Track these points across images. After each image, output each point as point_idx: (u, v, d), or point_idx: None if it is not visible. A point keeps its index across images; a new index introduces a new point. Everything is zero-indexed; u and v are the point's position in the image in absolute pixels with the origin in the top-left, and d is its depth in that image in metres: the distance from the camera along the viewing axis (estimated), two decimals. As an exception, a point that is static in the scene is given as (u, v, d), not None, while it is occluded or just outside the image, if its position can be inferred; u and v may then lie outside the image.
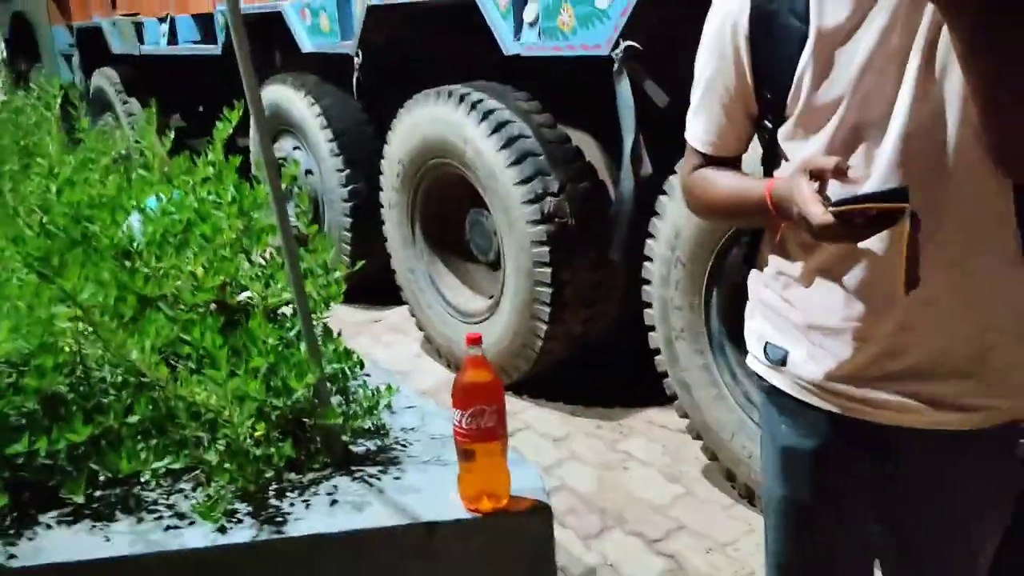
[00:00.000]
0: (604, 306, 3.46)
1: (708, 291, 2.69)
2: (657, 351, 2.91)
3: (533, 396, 3.60)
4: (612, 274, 3.39)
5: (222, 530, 2.05)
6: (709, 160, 1.43)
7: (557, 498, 2.90)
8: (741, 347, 2.74)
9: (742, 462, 2.66)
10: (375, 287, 4.35)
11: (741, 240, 2.57)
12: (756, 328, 1.50)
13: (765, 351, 1.42)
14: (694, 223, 2.64)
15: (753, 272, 1.51)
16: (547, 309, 3.32)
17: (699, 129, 1.42)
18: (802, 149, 1.26)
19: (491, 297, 3.84)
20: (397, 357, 4.14)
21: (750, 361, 1.48)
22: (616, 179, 3.29)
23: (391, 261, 4.18)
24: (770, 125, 1.31)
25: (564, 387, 3.61)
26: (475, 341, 2.04)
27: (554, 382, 3.63)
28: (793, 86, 1.24)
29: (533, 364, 3.50)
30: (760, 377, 1.46)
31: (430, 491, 2.24)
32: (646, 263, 2.87)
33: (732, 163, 1.43)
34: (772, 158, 1.33)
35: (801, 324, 1.34)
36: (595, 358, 3.71)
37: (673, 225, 2.71)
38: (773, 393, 1.43)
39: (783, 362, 1.38)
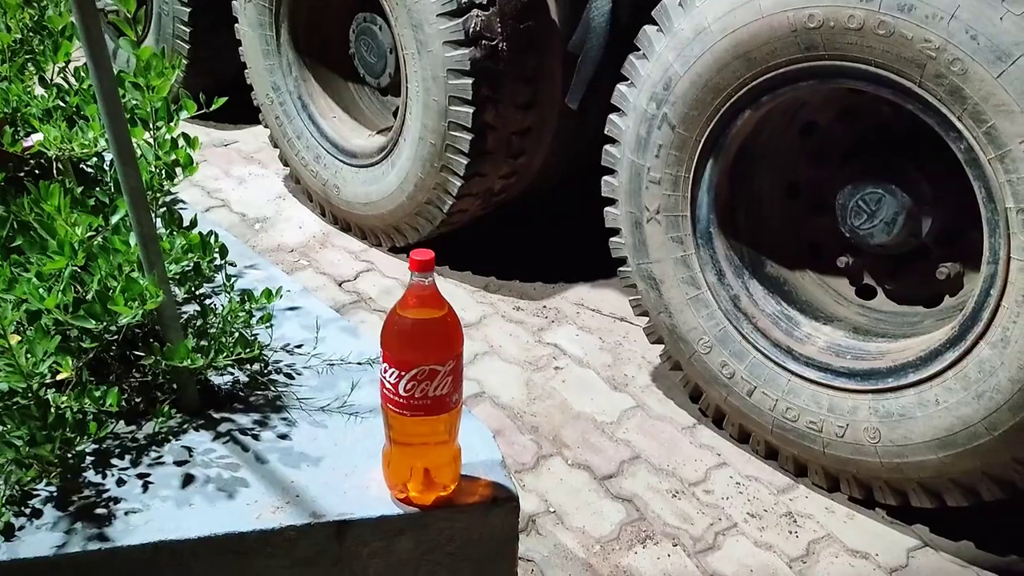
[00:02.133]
0: (530, 157, 2.74)
1: (700, 165, 2.02)
2: (615, 231, 2.25)
3: (435, 264, 2.88)
4: (542, 116, 2.65)
5: (6, 533, 1.30)
6: None
7: (477, 412, 2.28)
8: (732, 238, 2.13)
9: (718, 381, 2.12)
10: (228, 97, 3.38)
11: (759, 101, 1.89)
12: None
13: None
14: (696, 71, 1.92)
15: None
16: (463, 160, 2.56)
17: None
18: None
19: (380, 132, 3.01)
20: (253, 198, 3.28)
21: None
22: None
23: (246, 72, 3.22)
24: None
25: (473, 254, 2.91)
26: (424, 265, 1.29)
27: (460, 246, 2.92)
28: None
29: (438, 225, 2.77)
30: None
31: (334, 462, 1.51)
32: (614, 117, 2.14)
33: None
34: None
35: None
36: (510, 217, 3.01)
37: (663, 71, 1.98)
38: None
39: None
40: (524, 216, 3.04)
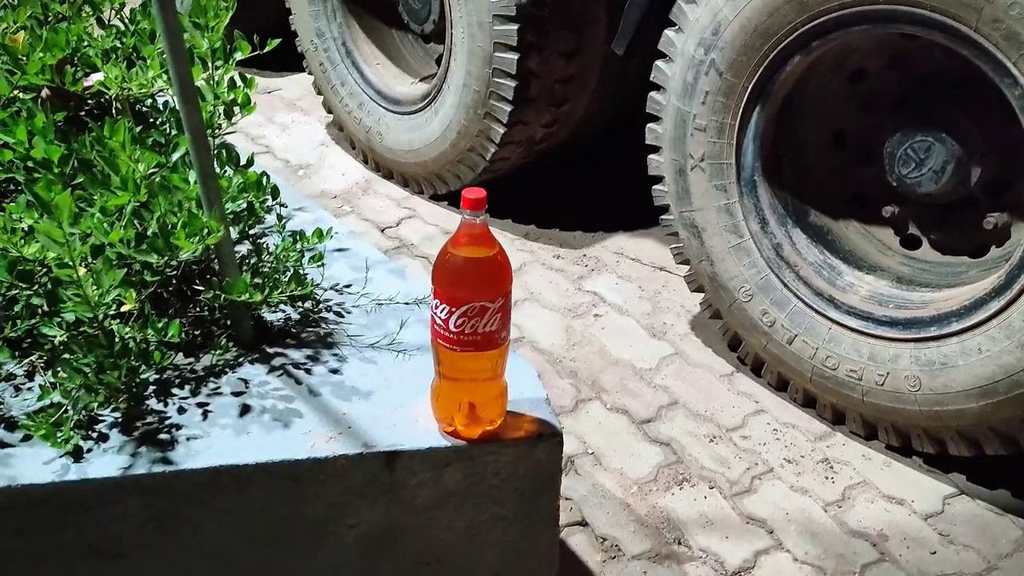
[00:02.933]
0: (572, 105, 2.74)
1: (747, 112, 2.01)
2: (659, 179, 2.25)
3: (475, 211, 2.91)
4: (586, 64, 2.65)
5: (76, 454, 1.37)
6: None
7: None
8: (776, 187, 2.13)
9: (759, 329, 2.13)
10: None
11: (810, 47, 1.87)
12: None
13: None
14: (746, 15, 1.91)
15: None
16: (507, 108, 2.57)
17: None
18: None
19: (424, 80, 3.02)
20: (297, 145, 3.32)
21: None
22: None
23: (290, 19, 3.23)
24: None
25: (514, 201, 2.93)
26: (476, 204, 1.32)
27: (502, 195, 2.92)
28: None
29: (480, 173, 2.79)
30: None
31: (385, 396, 1.56)
32: (660, 63, 2.14)
33: None
34: None
35: None
36: (552, 166, 3.02)
37: (712, 15, 1.97)
38: None
39: None
40: (566, 164, 3.05)
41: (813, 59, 1.93)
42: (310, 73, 3.26)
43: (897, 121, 1.97)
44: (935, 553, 1.82)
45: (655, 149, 2.23)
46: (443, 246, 1.33)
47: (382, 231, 2.85)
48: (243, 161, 1.62)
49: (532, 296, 2.56)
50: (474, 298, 1.28)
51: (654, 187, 2.28)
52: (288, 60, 3.34)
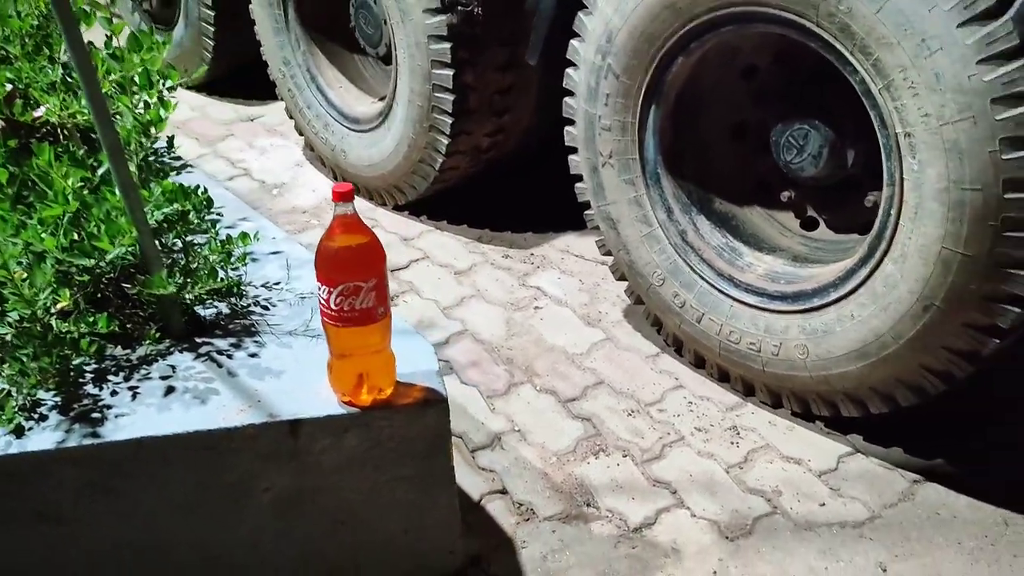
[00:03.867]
0: (515, 115, 2.93)
1: (644, 110, 2.19)
2: (579, 177, 2.44)
3: (433, 218, 3.12)
4: (525, 76, 2.84)
5: (18, 432, 1.58)
6: None
7: (458, 348, 2.51)
8: (679, 178, 2.30)
9: (672, 310, 2.30)
10: (251, 77, 3.66)
11: (689, 48, 2.05)
12: None
13: None
14: (632, 23, 2.09)
15: None
16: (448, 120, 2.78)
17: None
18: None
19: (382, 99, 3.24)
20: (273, 166, 3.55)
21: None
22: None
23: (261, 50, 3.48)
24: None
25: (469, 209, 3.13)
26: (344, 195, 1.52)
27: (457, 203, 3.14)
28: None
29: (432, 182, 2.99)
30: None
31: (294, 374, 1.77)
32: (569, 70, 2.33)
33: None
34: None
35: None
36: (503, 174, 3.22)
37: (605, 24, 2.16)
38: None
39: None
40: (520, 170, 3.24)
41: (696, 59, 2.10)
42: (282, 99, 3.50)
43: (781, 111, 2.14)
44: (824, 505, 1.96)
45: (573, 150, 2.42)
46: (322, 235, 1.54)
47: (345, 241, 3.06)
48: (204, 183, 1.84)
49: (478, 293, 2.75)
50: (347, 279, 1.48)
51: (576, 185, 2.47)
52: (269, 88, 3.59)
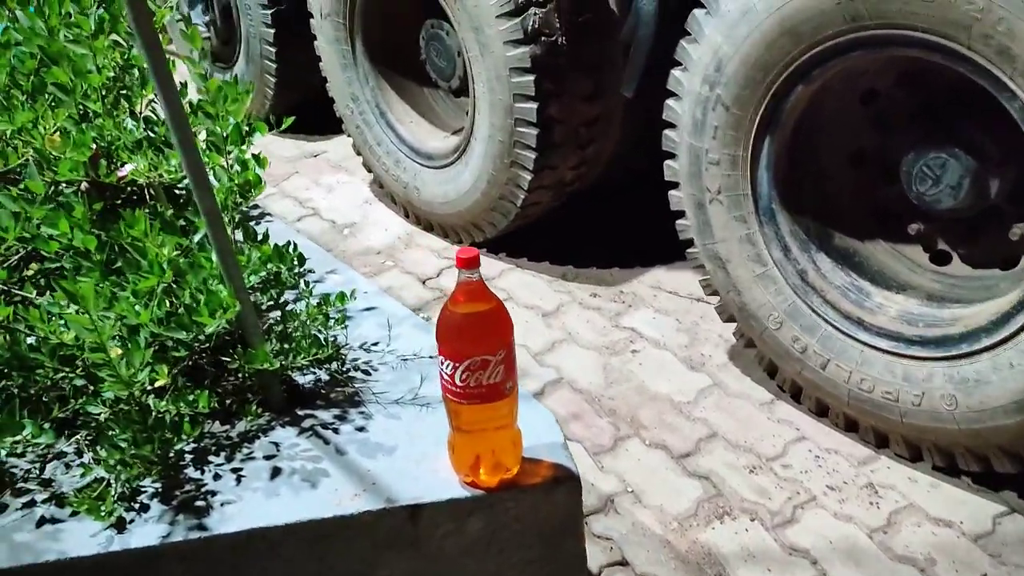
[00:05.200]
0: (599, 146, 2.79)
1: (757, 143, 2.03)
2: (680, 214, 2.28)
3: (513, 256, 2.98)
4: (609, 106, 2.70)
5: (119, 526, 1.45)
6: None
7: (555, 398, 2.36)
8: (796, 213, 2.13)
9: (791, 356, 2.13)
10: (315, 111, 3.55)
11: (811, 75, 1.89)
12: None
13: None
14: (745, 50, 1.94)
15: None
16: (532, 155, 2.64)
17: None
18: None
19: (456, 133, 3.12)
20: (341, 205, 3.44)
21: None
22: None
23: (327, 86, 3.38)
24: None
25: (550, 244, 2.99)
26: (469, 262, 1.37)
27: (538, 238, 3.00)
28: None
29: (513, 219, 2.85)
30: None
31: (407, 451, 1.62)
32: (670, 102, 2.18)
33: None
34: None
35: None
36: (585, 207, 3.07)
37: (714, 53, 2.00)
38: None
39: None
40: (600, 202, 3.09)
41: (818, 86, 1.94)
42: (349, 135, 3.39)
43: (911, 138, 1.96)
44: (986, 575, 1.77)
45: (674, 184, 2.26)
46: (444, 304, 1.39)
47: (423, 282, 2.93)
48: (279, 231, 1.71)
49: (570, 336, 2.60)
50: (475, 352, 1.34)
51: (677, 222, 2.31)
52: (331, 123, 3.49)
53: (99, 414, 1.51)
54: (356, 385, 1.73)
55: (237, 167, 1.63)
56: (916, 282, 2.07)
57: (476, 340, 1.34)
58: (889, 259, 2.12)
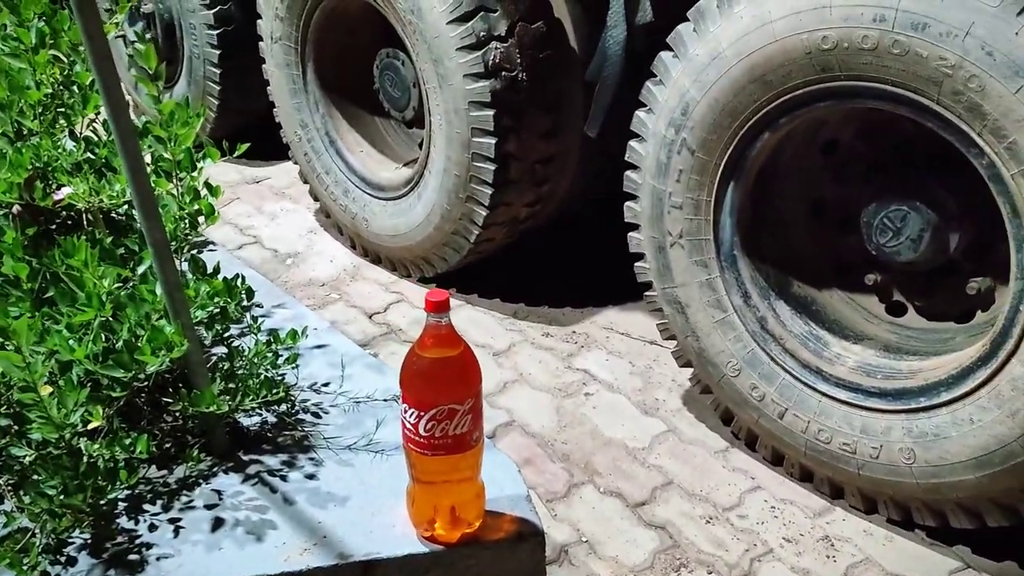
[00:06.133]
0: (555, 184, 2.75)
1: (721, 188, 2.01)
2: (640, 256, 2.25)
3: (463, 292, 2.91)
4: (566, 144, 2.67)
5: (40, 584, 1.33)
6: None
7: (507, 441, 2.29)
8: (757, 260, 2.11)
9: (749, 404, 2.10)
10: (258, 135, 3.44)
11: (777, 123, 1.88)
12: None
13: None
14: (712, 95, 1.92)
15: None
16: (488, 190, 2.58)
17: None
18: None
19: (407, 164, 3.05)
20: (285, 234, 3.33)
21: None
22: (582, 20, 2.50)
23: (274, 111, 3.28)
24: None
25: (501, 280, 2.93)
26: (439, 306, 1.30)
27: (489, 274, 2.94)
28: None
29: (465, 255, 2.79)
30: None
31: (360, 501, 1.53)
32: (634, 143, 2.15)
33: None
34: None
35: None
36: (538, 244, 3.02)
37: (680, 96, 1.98)
38: None
39: None
40: (552, 240, 3.05)
41: (783, 134, 1.93)
42: (296, 163, 3.29)
43: (872, 190, 1.97)
44: (943, 633, 1.76)
45: (635, 227, 2.23)
46: (410, 349, 1.32)
47: (370, 317, 2.84)
48: (213, 266, 1.62)
49: (521, 377, 2.54)
50: (442, 401, 1.27)
51: (636, 264, 2.27)
52: (276, 149, 3.38)
53: (24, 457, 1.39)
54: (305, 428, 1.65)
55: (185, 196, 1.54)
56: (872, 332, 2.07)
57: (444, 388, 1.27)
58: (846, 308, 2.12)
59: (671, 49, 2.01)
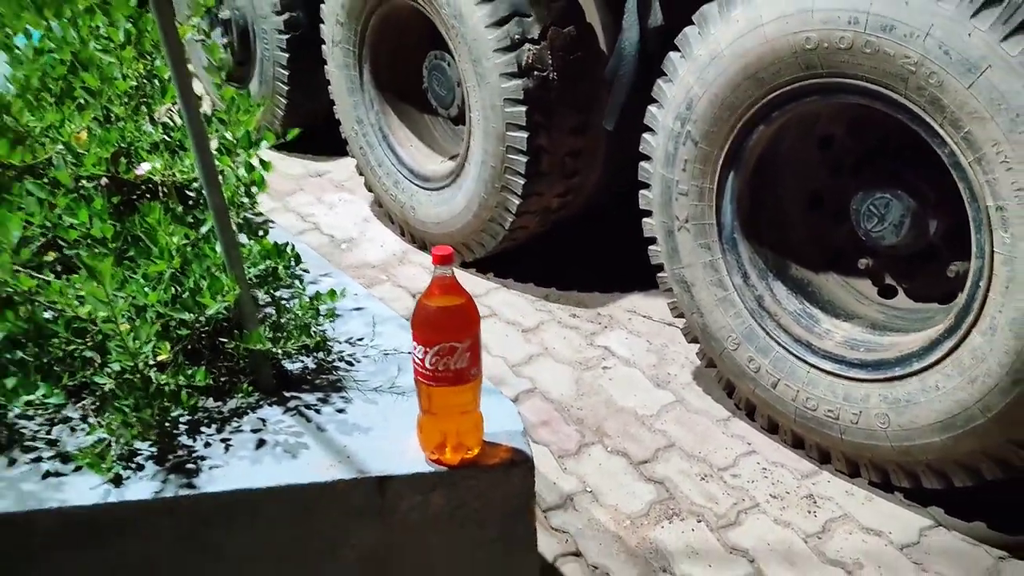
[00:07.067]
0: (584, 177, 2.98)
1: (723, 177, 2.22)
2: (652, 240, 2.46)
3: (500, 276, 3.16)
4: (594, 139, 2.89)
5: (116, 481, 1.62)
6: None
7: (527, 405, 2.52)
8: (756, 243, 2.31)
9: (746, 375, 2.29)
10: (321, 132, 3.76)
11: (770, 117, 2.08)
12: None
13: None
14: (713, 91, 2.13)
15: None
16: (521, 180, 2.83)
17: None
18: None
19: (453, 158, 3.31)
20: (342, 222, 3.63)
21: None
22: (610, 25, 2.73)
23: (334, 109, 3.59)
24: None
25: (535, 266, 3.17)
26: (444, 259, 1.56)
27: (524, 260, 3.18)
28: None
29: (501, 241, 3.04)
30: None
31: (381, 431, 1.80)
32: (646, 135, 2.37)
33: None
34: None
35: None
36: (570, 234, 3.25)
37: (685, 92, 2.20)
38: None
39: None
40: (583, 232, 3.27)
41: (777, 127, 2.13)
42: (353, 157, 3.59)
43: (861, 180, 2.15)
44: (907, 580, 1.93)
45: (648, 213, 2.45)
46: (420, 295, 1.57)
47: (413, 296, 3.11)
48: (281, 237, 1.89)
49: (546, 351, 2.77)
50: (444, 339, 1.51)
51: (649, 247, 2.49)
52: (337, 144, 3.69)
53: (105, 384, 1.68)
54: (339, 374, 1.90)
55: (243, 170, 1.82)
56: (862, 312, 2.24)
57: (446, 329, 1.52)
58: (839, 290, 2.30)
59: (678, 49, 2.22)
